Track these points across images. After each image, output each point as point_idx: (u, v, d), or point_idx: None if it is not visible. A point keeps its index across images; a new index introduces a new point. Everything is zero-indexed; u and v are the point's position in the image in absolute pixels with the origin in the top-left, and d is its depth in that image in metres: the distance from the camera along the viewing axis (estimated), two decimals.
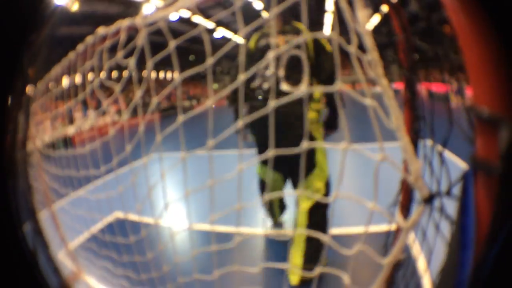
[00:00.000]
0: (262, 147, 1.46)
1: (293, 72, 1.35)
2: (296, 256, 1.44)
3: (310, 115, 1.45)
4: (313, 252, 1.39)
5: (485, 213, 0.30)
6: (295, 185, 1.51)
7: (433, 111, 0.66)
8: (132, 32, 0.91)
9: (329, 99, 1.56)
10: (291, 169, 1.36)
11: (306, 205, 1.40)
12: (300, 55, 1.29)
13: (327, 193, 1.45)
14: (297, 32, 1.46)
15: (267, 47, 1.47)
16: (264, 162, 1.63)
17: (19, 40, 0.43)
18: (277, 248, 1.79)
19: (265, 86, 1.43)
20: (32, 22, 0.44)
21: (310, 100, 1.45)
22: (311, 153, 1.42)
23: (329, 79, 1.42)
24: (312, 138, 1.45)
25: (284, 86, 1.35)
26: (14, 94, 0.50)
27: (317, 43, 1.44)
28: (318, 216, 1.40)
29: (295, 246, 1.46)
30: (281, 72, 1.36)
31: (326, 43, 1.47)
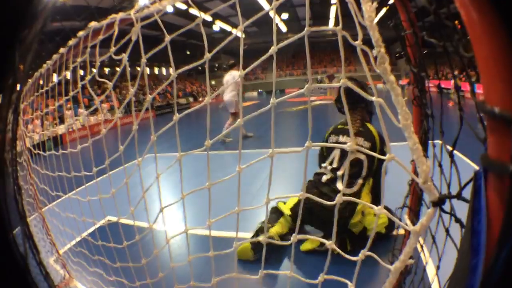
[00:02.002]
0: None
1: (352, 173, 1.74)
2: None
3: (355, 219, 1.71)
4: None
5: (496, 215, 0.30)
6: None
7: (442, 109, 0.66)
8: (126, 27, 0.91)
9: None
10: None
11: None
12: (362, 160, 1.72)
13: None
14: (369, 135, 1.83)
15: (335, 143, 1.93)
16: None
17: (9, 36, 0.43)
18: (279, 254, 1.80)
19: (323, 179, 1.82)
20: (23, 17, 0.44)
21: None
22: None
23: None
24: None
25: (339, 185, 1.75)
26: (4, 91, 0.50)
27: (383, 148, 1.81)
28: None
29: None
30: (340, 172, 1.76)
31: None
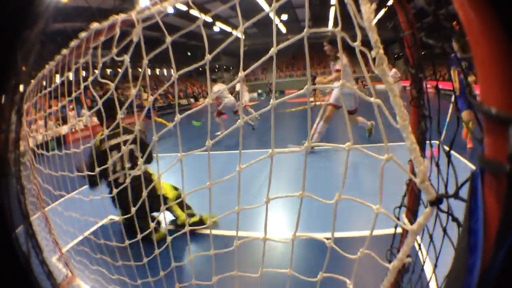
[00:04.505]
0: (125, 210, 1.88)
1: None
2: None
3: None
4: None
5: (493, 215, 0.30)
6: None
7: (440, 110, 0.66)
8: (128, 28, 0.91)
9: None
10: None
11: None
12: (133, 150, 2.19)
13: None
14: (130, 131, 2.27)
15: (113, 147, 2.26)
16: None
17: (12, 37, 0.43)
18: (277, 252, 1.80)
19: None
20: (25, 18, 0.44)
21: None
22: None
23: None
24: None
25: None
26: (7, 92, 0.50)
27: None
28: None
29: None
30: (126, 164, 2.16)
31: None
